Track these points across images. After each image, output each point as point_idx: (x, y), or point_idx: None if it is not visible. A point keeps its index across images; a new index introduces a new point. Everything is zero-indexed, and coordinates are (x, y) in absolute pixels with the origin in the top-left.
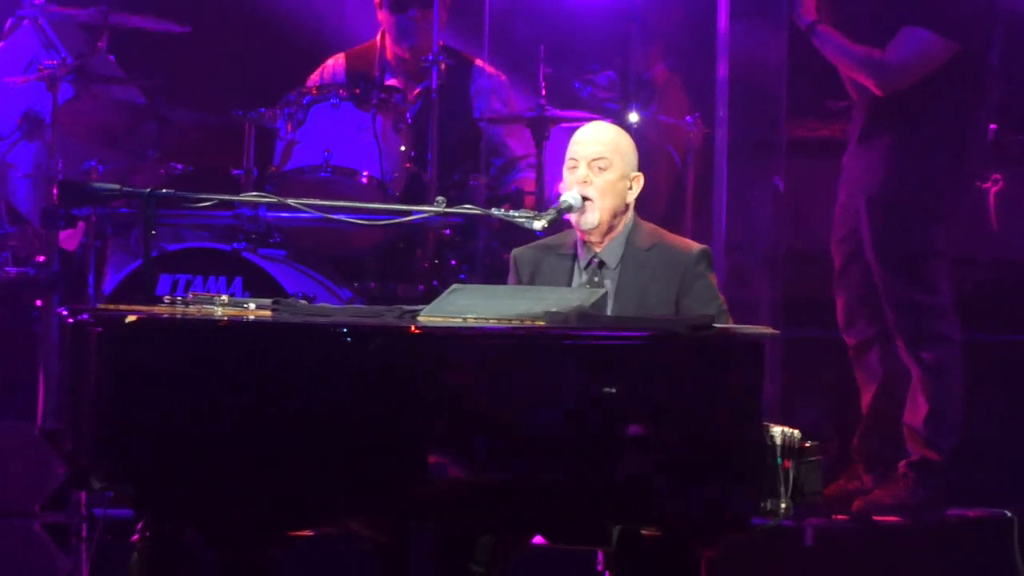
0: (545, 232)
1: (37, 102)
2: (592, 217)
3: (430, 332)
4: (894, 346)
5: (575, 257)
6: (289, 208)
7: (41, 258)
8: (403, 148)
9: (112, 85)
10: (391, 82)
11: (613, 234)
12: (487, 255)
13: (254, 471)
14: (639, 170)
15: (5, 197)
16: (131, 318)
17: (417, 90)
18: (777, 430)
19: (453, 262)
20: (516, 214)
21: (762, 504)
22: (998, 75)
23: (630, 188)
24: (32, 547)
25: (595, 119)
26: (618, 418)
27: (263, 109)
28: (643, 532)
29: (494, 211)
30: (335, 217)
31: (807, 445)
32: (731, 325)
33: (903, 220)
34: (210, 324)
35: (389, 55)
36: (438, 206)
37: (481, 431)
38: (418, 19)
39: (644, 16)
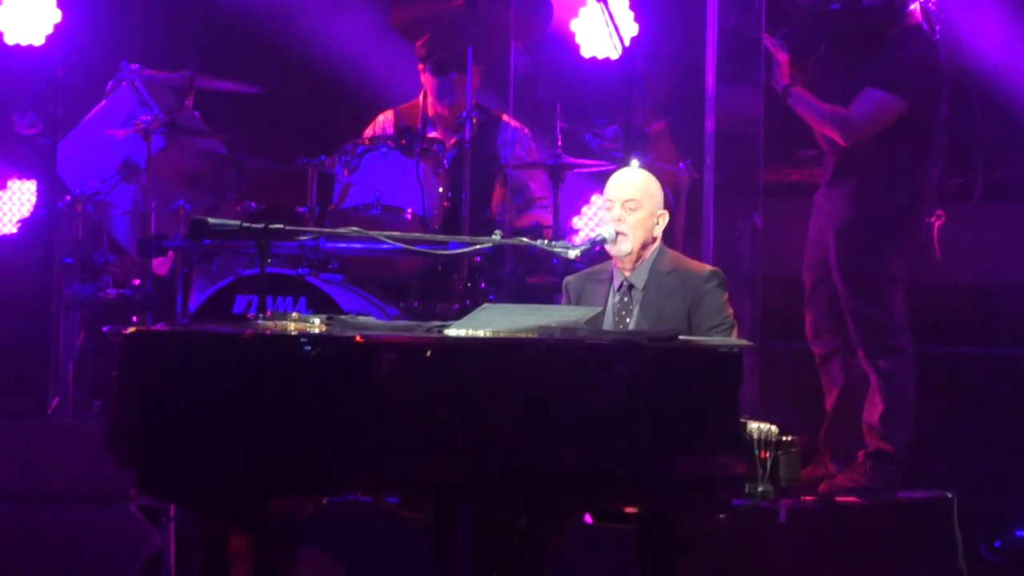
0: (580, 259)
1: (134, 151)
2: (625, 247)
3: (371, 341)
4: (855, 355)
5: (611, 281)
6: (374, 240)
7: (137, 282)
8: (441, 189)
9: (197, 137)
10: (432, 134)
11: (640, 262)
12: (512, 279)
13: (238, 450)
14: (664, 208)
15: (107, 230)
16: (130, 329)
17: (453, 140)
18: (755, 426)
19: (483, 285)
20: (557, 244)
21: (744, 488)
22: (944, 129)
23: (657, 223)
24: (128, 526)
25: (604, 166)
26: (604, 414)
27: (324, 157)
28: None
29: (539, 242)
30: (414, 248)
31: (786, 439)
32: (717, 339)
33: (865, 250)
34: (200, 336)
35: (430, 111)
36: (496, 238)
37: (447, 426)
38: (456, 81)
39: (644, 80)
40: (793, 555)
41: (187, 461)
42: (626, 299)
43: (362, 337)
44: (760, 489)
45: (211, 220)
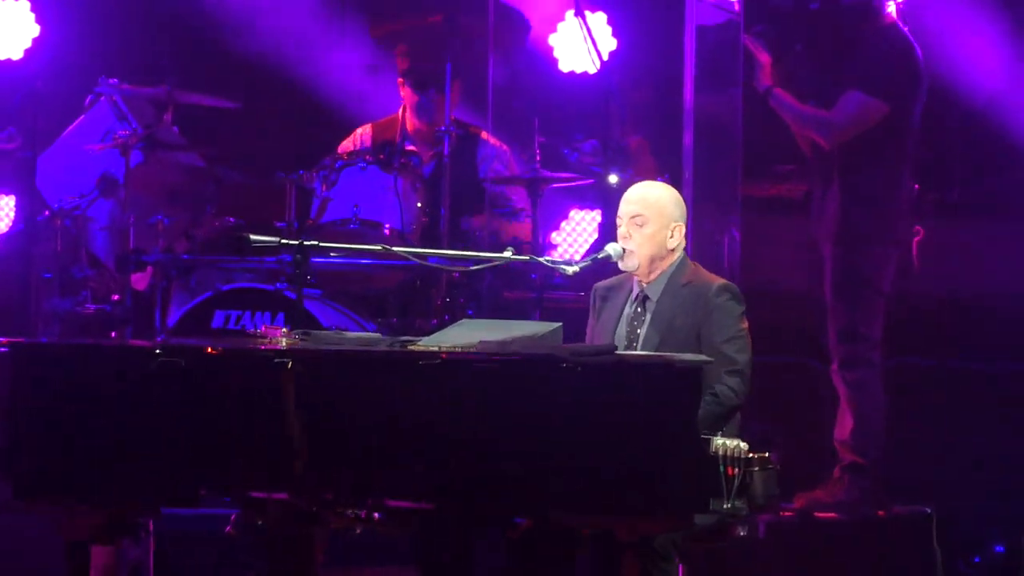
0: (578, 275)
1: (112, 166)
2: (631, 263)
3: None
4: (829, 367)
5: (630, 291)
6: (398, 257)
7: (116, 297)
8: (420, 204)
9: (176, 151)
10: (410, 148)
11: (656, 274)
12: (490, 294)
13: (106, 458)
14: (680, 220)
15: (86, 245)
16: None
17: (431, 154)
18: (720, 442)
19: (462, 300)
20: (559, 261)
21: (708, 505)
22: (917, 134)
23: (671, 236)
24: None
25: (582, 180)
26: (523, 426)
27: (302, 171)
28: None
29: (543, 260)
30: (432, 264)
31: (760, 456)
32: (677, 355)
33: (859, 261)
34: (70, 348)
35: (409, 126)
36: (508, 254)
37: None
38: (435, 99)
39: (621, 94)
40: (772, 570)
41: (54, 466)
42: (639, 310)
43: (213, 349)
44: (727, 506)
45: (251, 238)
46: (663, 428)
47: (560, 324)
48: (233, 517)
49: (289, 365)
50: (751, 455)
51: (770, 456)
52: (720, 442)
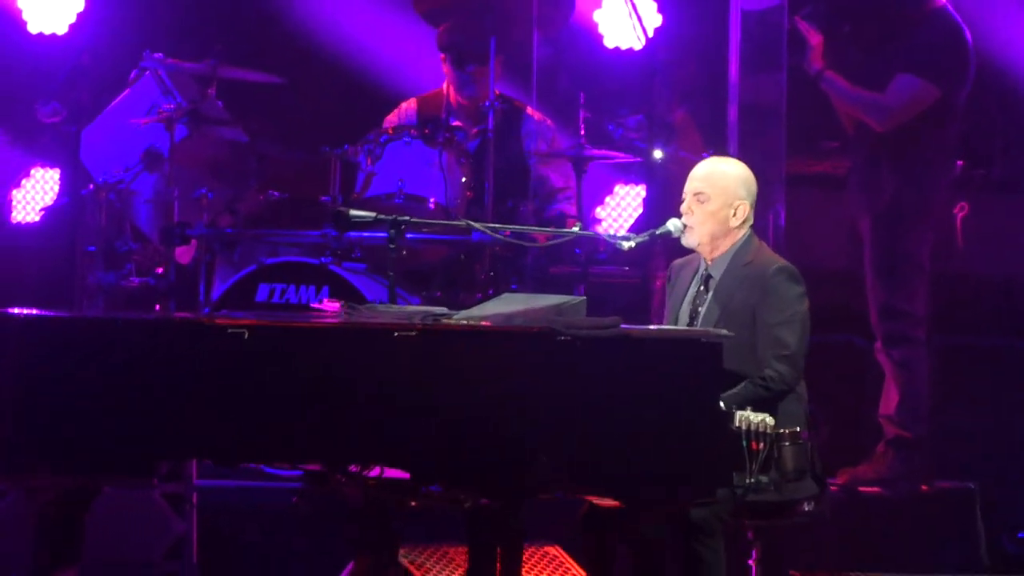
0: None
1: (157, 140)
2: (691, 240)
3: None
4: (873, 345)
5: (697, 270)
6: (458, 232)
7: (160, 270)
8: (464, 179)
9: (220, 126)
10: (455, 123)
11: (719, 252)
12: (535, 269)
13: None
14: (744, 198)
15: (130, 219)
16: None
17: (476, 130)
18: (743, 415)
19: (506, 274)
20: (619, 236)
21: (733, 477)
22: (963, 115)
23: (734, 214)
24: (153, 512)
25: (627, 156)
26: (522, 398)
27: (347, 146)
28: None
29: (606, 236)
30: (507, 239)
31: (788, 431)
32: (689, 329)
33: (900, 237)
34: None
35: (453, 101)
36: (576, 229)
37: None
38: (475, 73)
39: (666, 69)
40: (816, 545)
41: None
42: (702, 288)
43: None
44: (750, 480)
45: (349, 213)
46: (671, 401)
47: (584, 298)
48: (300, 489)
49: (246, 335)
50: (782, 430)
51: (800, 431)
52: (743, 416)
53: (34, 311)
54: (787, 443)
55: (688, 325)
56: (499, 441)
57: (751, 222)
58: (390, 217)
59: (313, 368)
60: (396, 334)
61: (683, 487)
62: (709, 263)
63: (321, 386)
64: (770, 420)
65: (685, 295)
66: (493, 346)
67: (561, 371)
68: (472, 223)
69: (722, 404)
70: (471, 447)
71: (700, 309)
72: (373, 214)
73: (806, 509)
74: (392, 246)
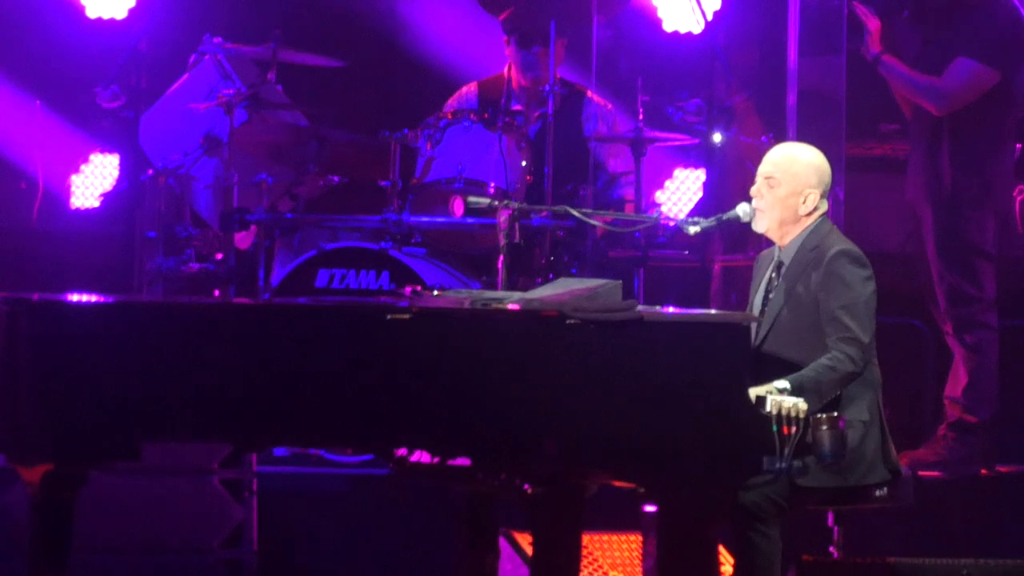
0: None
1: (216, 125)
2: (760, 224)
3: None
4: (938, 329)
5: (774, 258)
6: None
7: (219, 256)
8: (524, 163)
9: (279, 110)
10: (515, 107)
11: (789, 238)
12: (594, 253)
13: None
14: (816, 186)
15: (190, 204)
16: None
17: (537, 114)
18: (775, 399)
19: (565, 259)
20: (688, 220)
21: (764, 461)
22: (1021, 96)
23: (804, 202)
24: (212, 499)
25: (686, 139)
26: (533, 382)
27: (407, 130)
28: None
29: (674, 219)
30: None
31: (826, 416)
32: (726, 312)
33: (963, 223)
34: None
35: (514, 84)
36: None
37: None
38: (540, 54)
39: (726, 53)
40: (874, 528)
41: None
42: (773, 275)
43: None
44: (780, 465)
45: (470, 199)
46: (690, 386)
47: (620, 281)
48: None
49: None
50: (820, 415)
51: (838, 415)
52: (775, 400)
53: (94, 297)
54: (825, 427)
55: (760, 312)
56: (506, 425)
57: (823, 210)
58: (559, 208)
59: (388, 353)
60: (389, 317)
61: (705, 472)
62: (780, 249)
63: (390, 371)
64: (803, 405)
65: (761, 283)
66: (500, 330)
67: (573, 354)
68: (570, 210)
69: (786, 385)
70: (477, 430)
71: (771, 296)
72: (488, 200)
73: (877, 495)
74: (510, 229)
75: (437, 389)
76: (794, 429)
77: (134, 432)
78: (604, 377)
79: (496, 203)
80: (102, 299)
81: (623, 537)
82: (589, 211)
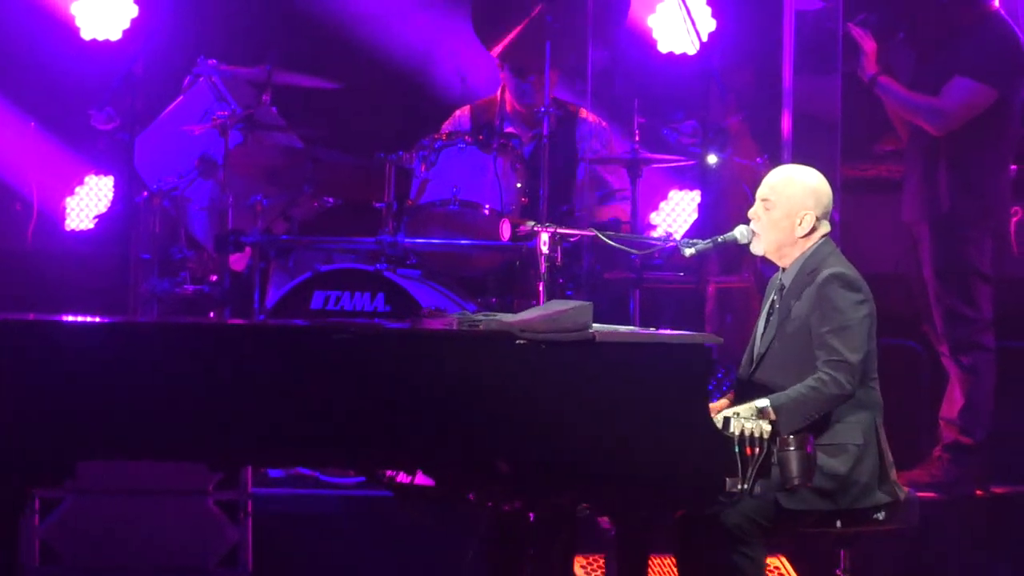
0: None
1: (211, 147)
2: (758, 247)
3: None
4: (934, 350)
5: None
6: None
7: (214, 277)
8: (519, 185)
9: (274, 132)
10: (509, 129)
11: (790, 261)
12: (590, 275)
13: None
14: (811, 208)
15: (185, 226)
16: None
17: (531, 135)
18: (738, 423)
19: (560, 280)
20: (684, 242)
21: (725, 483)
22: (1018, 115)
23: (799, 224)
24: (207, 520)
25: (681, 160)
26: (472, 401)
27: (401, 152)
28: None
29: (673, 240)
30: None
31: (794, 437)
32: (688, 333)
33: (960, 244)
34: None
35: (508, 107)
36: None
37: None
38: (535, 83)
39: (721, 74)
40: (869, 548)
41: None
42: (775, 297)
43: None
44: (743, 486)
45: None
46: (645, 407)
47: (590, 303)
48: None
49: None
50: (788, 436)
51: (806, 437)
52: (738, 422)
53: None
54: (792, 448)
55: (761, 335)
56: (458, 444)
57: (824, 231)
58: (590, 231)
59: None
60: (333, 336)
61: (659, 493)
62: (782, 272)
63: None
64: (766, 427)
65: (766, 305)
66: (446, 350)
67: (523, 374)
68: (599, 234)
69: (767, 404)
70: (425, 448)
71: (772, 318)
72: (532, 222)
73: (873, 518)
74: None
75: (386, 408)
76: (757, 450)
77: (65, 452)
78: (556, 397)
79: (538, 226)
80: (19, 318)
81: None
82: (613, 234)
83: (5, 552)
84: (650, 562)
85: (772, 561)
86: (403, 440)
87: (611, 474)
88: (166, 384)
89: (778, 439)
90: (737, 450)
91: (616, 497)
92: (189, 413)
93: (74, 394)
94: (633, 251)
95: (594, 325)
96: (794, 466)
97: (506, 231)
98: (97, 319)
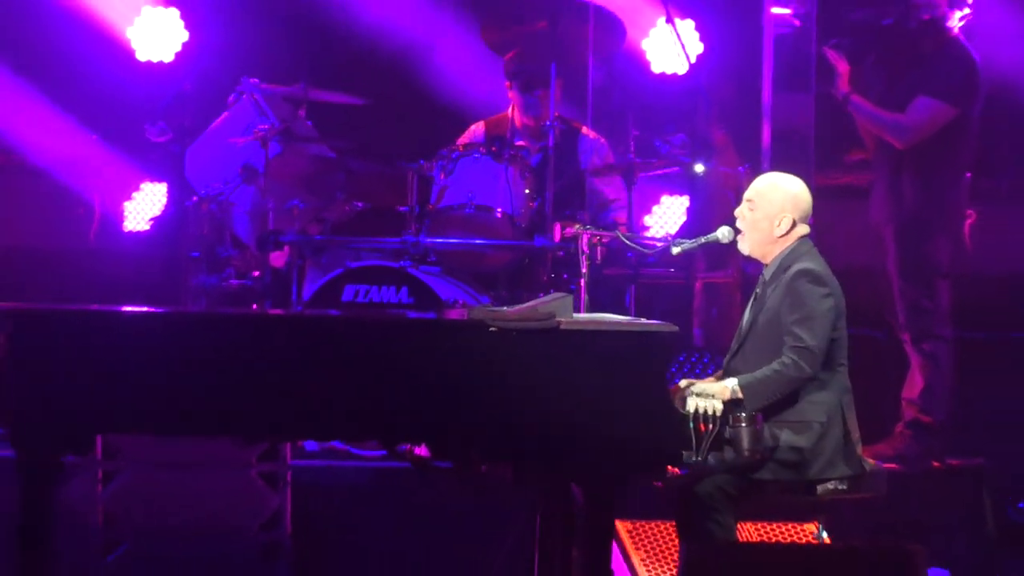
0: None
1: (253, 157)
2: (743, 246)
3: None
4: (895, 338)
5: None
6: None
7: (256, 273)
8: (527, 191)
9: (309, 143)
10: (519, 142)
11: (770, 258)
12: (591, 271)
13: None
14: (789, 211)
15: (229, 227)
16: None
17: (537, 147)
18: (694, 401)
19: (565, 276)
20: (675, 241)
21: (682, 456)
22: (976, 131)
23: (778, 225)
24: (251, 489)
25: (672, 169)
26: (458, 385)
27: (422, 161)
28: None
29: (666, 239)
30: (634, 245)
31: (745, 415)
32: (651, 322)
33: (923, 245)
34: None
35: (517, 123)
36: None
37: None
38: (541, 97)
39: (707, 92)
40: (835, 515)
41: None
42: (759, 292)
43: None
44: (697, 458)
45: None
46: (607, 388)
47: (570, 296)
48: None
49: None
50: (739, 414)
51: (755, 415)
52: (694, 401)
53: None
54: (743, 424)
55: (744, 324)
56: (433, 415)
57: (802, 232)
58: (616, 233)
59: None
60: (323, 324)
61: (619, 465)
62: (765, 269)
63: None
64: (718, 405)
65: (751, 299)
66: (427, 336)
67: (496, 358)
68: (620, 235)
69: (735, 383)
70: (414, 421)
71: (753, 309)
72: (615, 231)
73: (832, 487)
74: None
75: (383, 387)
76: (711, 426)
77: (90, 426)
78: (523, 376)
79: (582, 228)
80: (62, 308)
81: (654, 524)
82: (629, 235)
83: (42, 513)
84: (656, 527)
85: (809, 527)
86: (396, 414)
87: (574, 446)
88: (216, 367)
89: (731, 417)
90: (692, 426)
91: (580, 465)
92: (235, 394)
93: (153, 375)
94: (646, 250)
95: (588, 316)
96: (745, 440)
97: (556, 232)
98: (160, 311)
